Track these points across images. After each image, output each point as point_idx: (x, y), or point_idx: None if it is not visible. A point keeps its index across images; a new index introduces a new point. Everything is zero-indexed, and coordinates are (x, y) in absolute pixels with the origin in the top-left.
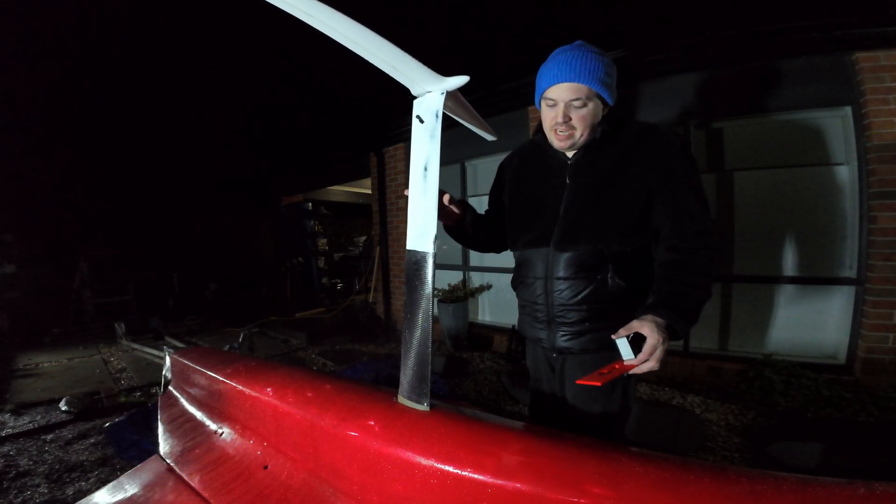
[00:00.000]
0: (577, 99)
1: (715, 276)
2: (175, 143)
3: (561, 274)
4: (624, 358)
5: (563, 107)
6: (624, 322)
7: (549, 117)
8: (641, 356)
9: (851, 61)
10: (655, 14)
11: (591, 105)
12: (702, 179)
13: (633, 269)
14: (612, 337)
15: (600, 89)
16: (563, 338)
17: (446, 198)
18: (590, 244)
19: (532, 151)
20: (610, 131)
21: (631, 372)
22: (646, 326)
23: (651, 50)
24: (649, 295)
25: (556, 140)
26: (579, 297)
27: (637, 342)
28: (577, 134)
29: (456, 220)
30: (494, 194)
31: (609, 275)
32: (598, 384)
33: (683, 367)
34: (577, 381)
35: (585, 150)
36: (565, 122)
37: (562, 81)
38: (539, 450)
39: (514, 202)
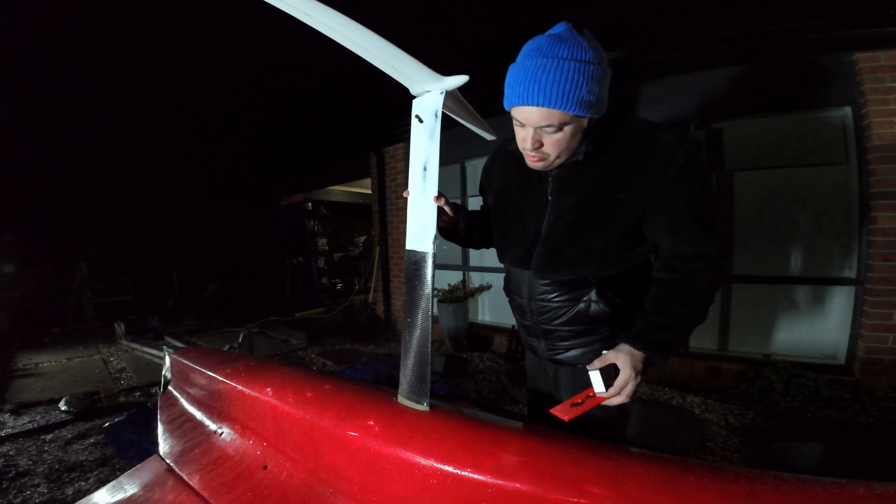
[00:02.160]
0: (548, 126)
1: (713, 300)
2: (175, 143)
3: (542, 297)
4: (595, 390)
5: (533, 132)
6: (610, 336)
7: (519, 137)
8: (612, 390)
9: (851, 61)
10: (655, 14)
11: (567, 129)
12: (713, 193)
13: (620, 291)
14: (587, 367)
15: (580, 111)
16: (553, 351)
17: (441, 200)
18: (570, 272)
19: (513, 157)
20: (595, 150)
21: (606, 402)
22: (620, 359)
23: (651, 50)
24: (637, 316)
25: (529, 161)
26: (561, 319)
27: (612, 370)
28: (552, 158)
29: (448, 224)
30: (482, 195)
31: (592, 299)
32: (566, 419)
33: (683, 367)
34: (550, 410)
35: (570, 165)
36: (536, 149)
37: (528, 104)
38: (538, 450)
39: (497, 213)
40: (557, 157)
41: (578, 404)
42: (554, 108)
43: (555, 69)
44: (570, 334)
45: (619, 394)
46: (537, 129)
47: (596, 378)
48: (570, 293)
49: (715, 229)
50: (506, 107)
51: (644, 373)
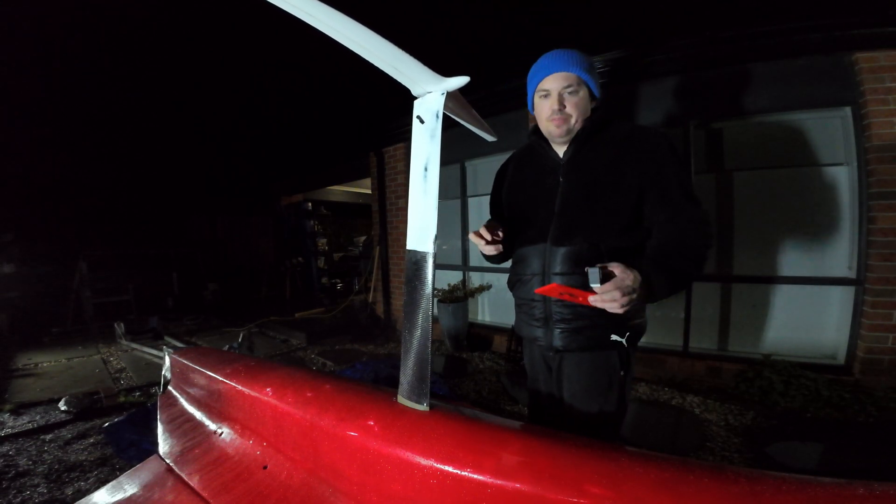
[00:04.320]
0: (568, 86)
1: (705, 259)
2: (175, 143)
3: (558, 269)
4: (591, 284)
5: (557, 95)
6: (620, 320)
7: (546, 107)
8: (606, 286)
9: (851, 61)
10: (655, 14)
11: (581, 93)
12: (691, 178)
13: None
14: (586, 268)
15: (587, 78)
16: (560, 336)
17: (499, 234)
18: (586, 240)
19: (526, 155)
20: (593, 129)
21: (591, 301)
22: (619, 268)
23: (651, 50)
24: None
25: (554, 127)
26: None
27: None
28: (573, 120)
29: (500, 250)
30: (495, 200)
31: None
32: (556, 294)
33: (683, 367)
34: (536, 290)
35: (575, 148)
36: (560, 110)
37: (554, 72)
38: (538, 450)
39: (511, 206)
40: (576, 120)
41: (563, 294)
42: (572, 71)
43: (566, 52)
44: (582, 311)
45: (612, 296)
46: (560, 91)
47: (593, 274)
48: (585, 263)
49: (699, 205)
50: (531, 92)
51: (640, 299)
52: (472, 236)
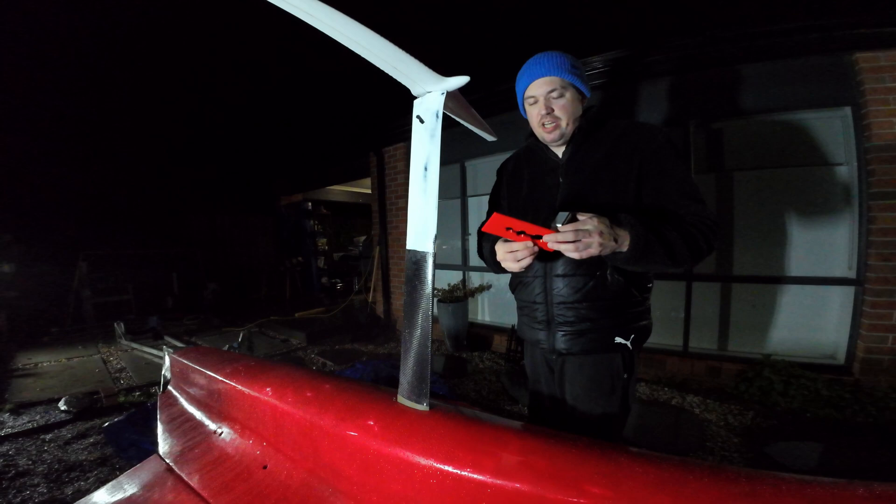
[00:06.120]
0: (553, 90)
1: (698, 247)
2: (175, 143)
3: (559, 271)
4: (557, 224)
5: (544, 100)
6: (624, 321)
7: (535, 114)
8: (563, 227)
9: (851, 61)
10: (655, 14)
11: (567, 94)
12: (691, 174)
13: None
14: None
15: (571, 79)
16: (563, 339)
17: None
18: None
19: (525, 156)
20: (589, 127)
21: (546, 241)
22: (587, 214)
23: (651, 50)
24: None
25: (545, 133)
26: (579, 294)
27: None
28: (563, 123)
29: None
30: (495, 198)
31: (608, 271)
32: (503, 233)
33: (683, 367)
34: (482, 229)
35: (574, 148)
36: (549, 114)
37: (536, 78)
38: (538, 450)
39: (512, 206)
40: (567, 123)
41: (519, 233)
42: (554, 75)
43: (548, 56)
44: (583, 315)
45: (565, 237)
46: (546, 96)
47: (561, 216)
48: (587, 264)
49: (703, 203)
50: (520, 100)
51: (607, 244)
52: (503, 251)
